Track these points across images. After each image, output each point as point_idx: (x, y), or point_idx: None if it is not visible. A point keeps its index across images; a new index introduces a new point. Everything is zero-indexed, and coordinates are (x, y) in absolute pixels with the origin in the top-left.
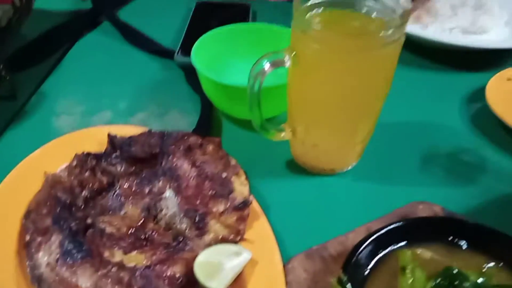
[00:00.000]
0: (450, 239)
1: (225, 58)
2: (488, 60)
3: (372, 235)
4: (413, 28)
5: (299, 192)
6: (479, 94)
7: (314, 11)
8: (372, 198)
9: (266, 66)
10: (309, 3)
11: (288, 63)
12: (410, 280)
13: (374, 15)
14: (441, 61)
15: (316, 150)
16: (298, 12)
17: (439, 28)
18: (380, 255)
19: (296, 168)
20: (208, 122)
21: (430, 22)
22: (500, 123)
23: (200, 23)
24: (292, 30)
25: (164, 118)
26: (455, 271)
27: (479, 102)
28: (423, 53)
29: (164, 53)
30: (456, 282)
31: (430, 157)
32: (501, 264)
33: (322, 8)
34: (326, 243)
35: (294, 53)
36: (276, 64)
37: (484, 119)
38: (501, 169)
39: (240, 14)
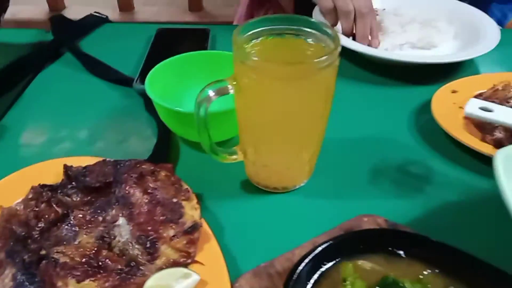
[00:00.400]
0: (389, 249)
1: (182, 86)
2: (437, 73)
3: (313, 250)
4: (361, 45)
5: (252, 211)
6: (426, 107)
7: (254, 41)
8: (322, 213)
9: (211, 93)
10: (249, 33)
11: (231, 91)
12: None
13: (311, 41)
14: (390, 75)
15: (267, 170)
16: (237, 44)
17: (389, 44)
18: (323, 269)
19: (250, 187)
20: (165, 147)
21: (381, 39)
22: (445, 135)
23: (160, 50)
24: (233, 60)
25: (124, 146)
26: (390, 280)
27: (426, 115)
28: (372, 68)
29: (124, 82)
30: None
31: (378, 171)
32: (437, 271)
33: (262, 37)
34: (273, 260)
35: (235, 82)
36: (220, 92)
37: (430, 131)
38: (447, 179)
39: (200, 40)
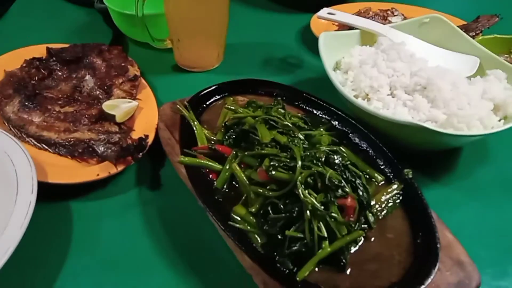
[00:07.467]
0: (257, 92)
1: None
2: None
3: (207, 89)
4: None
5: (179, 80)
6: (304, 26)
7: None
8: None
9: None
10: None
11: None
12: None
13: None
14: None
15: (188, 55)
16: None
17: None
18: (214, 99)
19: (178, 68)
20: (119, 42)
21: None
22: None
23: None
24: None
25: None
26: (251, 102)
27: (304, 29)
28: None
29: (86, 3)
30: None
31: (268, 61)
32: (279, 98)
33: None
34: (184, 98)
35: None
36: None
37: (309, 39)
38: (311, 65)
39: None
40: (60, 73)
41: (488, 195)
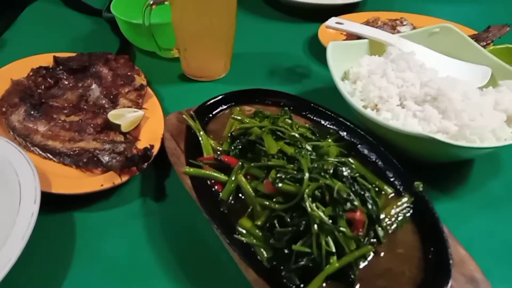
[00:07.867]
0: (265, 101)
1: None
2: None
3: (214, 98)
4: None
5: (185, 90)
6: (312, 35)
7: None
8: None
9: (151, 2)
10: None
11: (167, 2)
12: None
13: None
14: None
15: (194, 64)
16: None
17: None
18: (220, 108)
19: (184, 77)
20: (126, 51)
21: None
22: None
23: None
24: None
25: None
26: (259, 112)
27: (312, 39)
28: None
29: (94, 12)
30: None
31: (275, 71)
32: (286, 108)
33: None
34: (191, 107)
35: None
36: (157, 2)
37: (317, 48)
38: (318, 75)
39: None
40: (66, 82)
41: (501, 208)
